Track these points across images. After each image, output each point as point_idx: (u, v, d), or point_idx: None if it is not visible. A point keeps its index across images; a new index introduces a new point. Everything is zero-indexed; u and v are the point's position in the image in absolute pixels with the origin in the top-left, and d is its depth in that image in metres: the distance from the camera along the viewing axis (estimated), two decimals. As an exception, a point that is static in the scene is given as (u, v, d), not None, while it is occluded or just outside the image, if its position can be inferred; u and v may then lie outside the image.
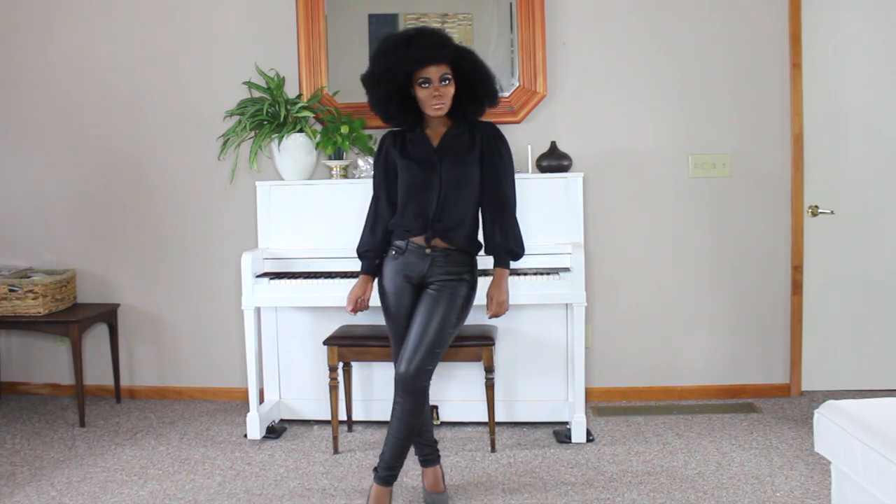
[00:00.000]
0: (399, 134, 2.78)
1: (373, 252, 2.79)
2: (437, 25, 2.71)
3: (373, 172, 2.88)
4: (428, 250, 2.69)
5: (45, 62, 4.15)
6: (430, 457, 2.85)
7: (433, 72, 2.59)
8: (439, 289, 2.67)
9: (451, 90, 2.63)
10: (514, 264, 3.17)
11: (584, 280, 3.34)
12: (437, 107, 2.62)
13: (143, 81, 4.08)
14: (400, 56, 2.57)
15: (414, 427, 2.64)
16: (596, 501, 2.83)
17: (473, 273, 2.77)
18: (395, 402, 2.63)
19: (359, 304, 2.83)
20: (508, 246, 2.74)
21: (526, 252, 3.47)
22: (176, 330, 4.20)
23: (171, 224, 4.14)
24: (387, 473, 2.67)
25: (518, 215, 3.60)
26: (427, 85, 2.60)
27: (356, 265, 3.52)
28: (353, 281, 3.37)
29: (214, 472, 3.20)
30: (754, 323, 3.95)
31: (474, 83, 2.67)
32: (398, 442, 2.64)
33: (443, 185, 2.67)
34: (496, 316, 2.80)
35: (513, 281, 3.33)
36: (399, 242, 2.72)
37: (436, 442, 2.88)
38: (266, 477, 3.14)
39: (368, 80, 2.69)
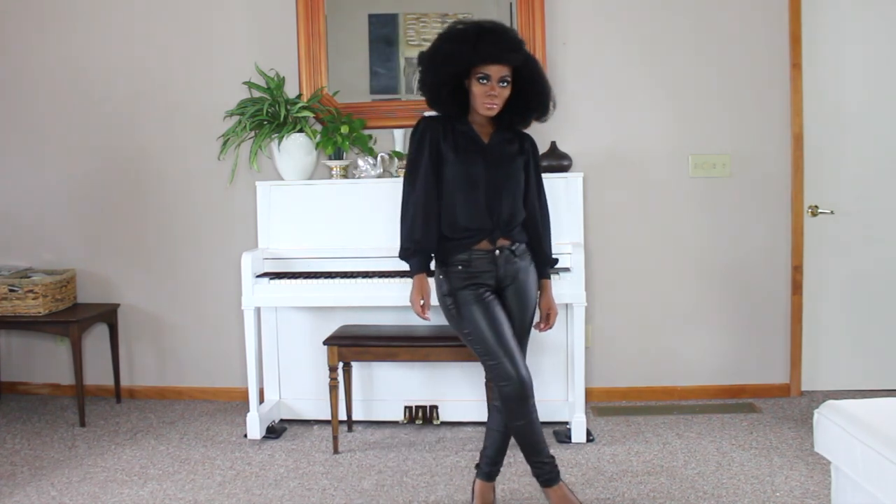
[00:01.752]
0: (445, 124, 2.62)
1: (430, 247, 2.58)
2: (506, 25, 2.61)
3: (412, 159, 2.63)
4: (497, 252, 2.58)
5: (46, 62, 4.15)
6: (551, 473, 2.58)
7: (495, 70, 2.49)
8: (518, 287, 2.62)
9: (506, 93, 2.53)
10: None
11: (584, 280, 3.34)
12: (489, 106, 2.52)
13: (143, 81, 4.08)
14: (468, 46, 2.47)
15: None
16: (596, 501, 2.83)
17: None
18: (509, 407, 2.49)
19: (427, 306, 2.60)
20: (551, 257, 2.74)
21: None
22: (176, 330, 4.20)
23: (172, 224, 4.14)
24: (490, 469, 2.71)
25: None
26: (485, 81, 2.50)
27: (356, 265, 3.57)
28: (353, 281, 3.41)
29: (214, 472, 3.20)
30: (754, 323, 3.95)
31: (529, 94, 2.59)
32: (503, 437, 2.67)
33: (501, 184, 2.58)
34: (551, 327, 2.75)
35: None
36: (461, 256, 2.56)
37: (553, 457, 2.62)
38: (266, 477, 3.14)
39: (428, 60, 2.57)
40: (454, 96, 2.58)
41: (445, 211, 2.59)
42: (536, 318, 2.74)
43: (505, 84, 2.52)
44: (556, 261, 2.77)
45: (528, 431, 2.52)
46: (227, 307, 4.08)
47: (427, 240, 2.57)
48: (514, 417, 2.50)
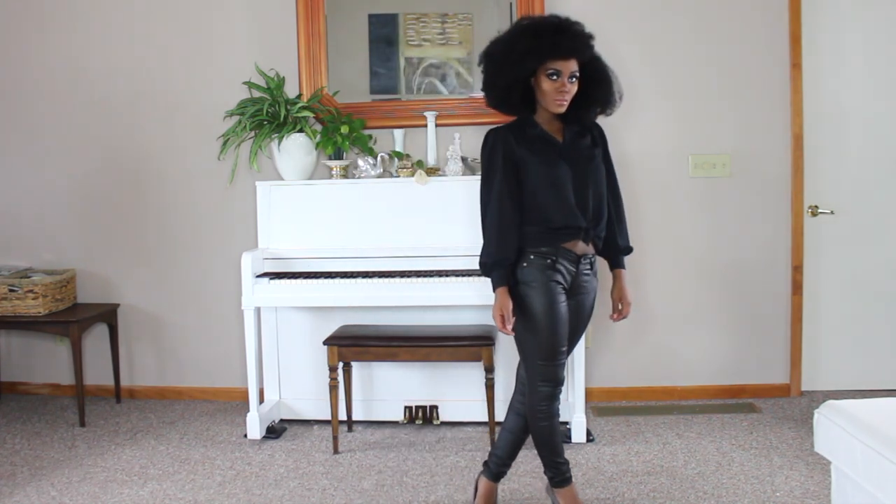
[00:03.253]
0: (514, 131, 2.54)
1: (509, 258, 2.49)
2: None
3: (486, 173, 2.55)
4: (581, 258, 2.54)
5: (46, 62, 4.15)
6: (566, 474, 2.61)
7: (566, 66, 2.42)
8: (585, 294, 2.60)
9: (575, 88, 2.47)
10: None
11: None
12: (560, 102, 2.45)
13: (143, 81, 4.08)
14: (544, 41, 2.41)
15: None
16: (596, 501, 2.83)
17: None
18: (532, 403, 2.52)
19: (509, 319, 2.49)
20: (628, 246, 2.67)
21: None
22: (176, 330, 4.20)
23: (172, 224, 4.14)
24: (499, 469, 2.70)
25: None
26: (556, 77, 2.43)
27: (356, 265, 3.57)
28: (353, 281, 3.41)
29: (214, 472, 3.20)
30: (754, 323, 3.95)
31: (595, 90, 2.53)
32: (518, 440, 2.67)
33: (586, 180, 2.52)
34: (625, 318, 2.72)
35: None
36: (545, 248, 2.49)
37: (567, 459, 2.64)
38: (266, 477, 3.14)
39: (500, 61, 2.48)
40: (522, 95, 2.51)
41: (536, 212, 2.49)
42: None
43: (574, 80, 2.46)
44: (631, 249, 2.69)
45: (552, 432, 2.54)
46: (227, 307, 4.08)
47: (507, 252, 2.48)
48: (541, 418, 2.52)
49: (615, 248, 2.66)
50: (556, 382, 2.51)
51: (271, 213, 3.72)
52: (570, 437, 3.40)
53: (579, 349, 3.37)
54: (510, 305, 2.46)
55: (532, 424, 2.55)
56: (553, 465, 2.59)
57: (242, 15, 4.00)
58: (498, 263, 2.48)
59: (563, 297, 2.50)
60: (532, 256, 2.49)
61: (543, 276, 2.47)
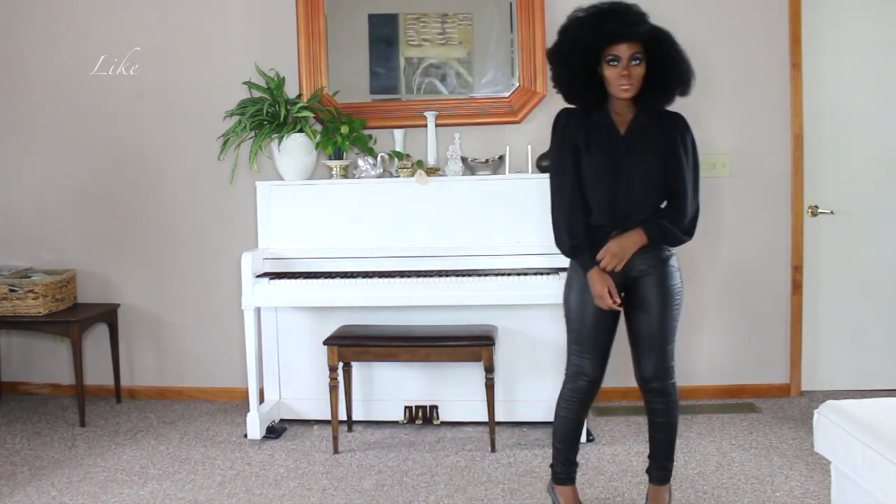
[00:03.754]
0: (582, 116, 2.53)
1: (582, 238, 2.49)
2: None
3: (554, 154, 2.57)
4: None
5: (46, 62, 4.15)
6: (571, 474, 2.66)
7: (623, 50, 2.38)
8: (647, 286, 2.50)
9: (640, 71, 2.41)
10: (518, 264, 3.13)
11: (584, 280, 3.33)
12: (624, 87, 2.41)
13: (143, 81, 4.08)
14: (590, 29, 2.40)
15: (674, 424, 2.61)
16: (596, 501, 2.83)
17: (669, 250, 2.55)
18: (573, 398, 2.55)
19: (615, 292, 2.46)
20: (663, 225, 2.49)
21: (525, 252, 3.51)
22: (176, 330, 4.20)
23: (172, 224, 4.15)
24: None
25: (517, 215, 3.61)
26: (616, 63, 2.40)
27: (356, 265, 3.57)
28: (353, 281, 3.41)
29: (214, 472, 3.20)
30: (754, 323, 3.95)
31: (665, 69, 2.45)
32: (667, 441, 2.62)
33: (629, 178, 2.47)
34: (605, 267, 2.48)
35: (513, 281, 3.34)
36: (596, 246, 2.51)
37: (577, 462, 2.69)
38: (266, 477, 3.14)
39: (554, 54, 2.51)
40: (589, 86, 2.48)
41: (587, 205, 2.53)
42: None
43: (637, 62, 2.40)
44: (668, 235, 2.50)
45: (566, 424, 2.58)
46: (227, 307, 4.08)
47: (576, 236, 2.50)
48: (562, 407, 2.57)
49: (649, 222, 2.50)
50: (590, 378, 2.51)
51: (271, 213, 3.72)
52: (570, 437, 3.40)
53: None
54: (609, 281, 2.45)
55: (559, 415, 2.59)
56: (562, 461, 2.61)
57: (242, 15, 4.01)
58: (574, 250, 2.50)
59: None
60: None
61: (583, 277, 2.50)
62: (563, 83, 2.53)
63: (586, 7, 2.47)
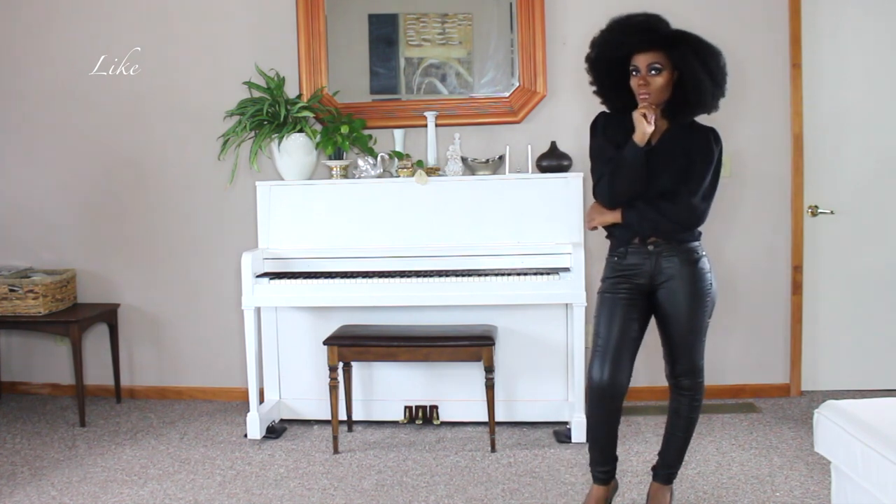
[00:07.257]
0: (620, 120, 2.53)
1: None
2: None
3: (594, 150, 2.59)
4: (650, 247, 2.51)
5: (46, 62, 4.15)
6: (595, 475, 2.66)
7: (642, 59, 2.41)
8: (674, 286, 2.50)
9: (659, 80, 2.40)
10: (519, 264, 3.12)
11: (584, 280, 3.34)
12: (642, 96, 2.41)
13: (144, 81, 4.08)
14: (611, 39, 2.45)
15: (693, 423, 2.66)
16: (596, 501, 2.83)
17: (700, 249, 2.54)
18: (589, 399, 2.61)
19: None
20: (630, 222, 2.51)
21: (525, 252, 3.51)
22: (176, 330, 4.20)
23: (172, 224, 4.15)
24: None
25: (517, 215, 3.61)
26: (636, 73, 2.43)
27: (356, 265, 3.58)
28: (353, 281, 3.41)
29: (214, 472, 3.20)
30: (754, 322, 3.95)
31: (685, 81, 2.40)
32: (683, 439, 2.66)
33: (646, 191, 2.47)
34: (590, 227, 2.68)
35: (513, 281, 3.35)
36: (620, 248, 2.56)
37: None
38: (266, 477, 3.14)
39: (589, 64, 2.57)
40: (619, 97, 2.53)
41: None
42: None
43: (655, 72, 2.40)
44: (633, 226, 2.52)
45: (589, 422, 2.60)
46: (227, 307, 4.08)
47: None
48: (589, 410, 2.62)
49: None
50: (597, 382, 2.51)
51: (271, 213, 3.72)
52: (570, 437, 3.40)
53: (579, 349, 3.37)
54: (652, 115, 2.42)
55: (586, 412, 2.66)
56: (592, 460, 2.62)
57: (242, 15, 4.00)
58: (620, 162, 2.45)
59: (623, 296, 2.52)
60: (610, 255, 2.60)
61: (612, 274, 2.56)
62: (598, 92, 2.60)
63: (615, 18, 2.53)
